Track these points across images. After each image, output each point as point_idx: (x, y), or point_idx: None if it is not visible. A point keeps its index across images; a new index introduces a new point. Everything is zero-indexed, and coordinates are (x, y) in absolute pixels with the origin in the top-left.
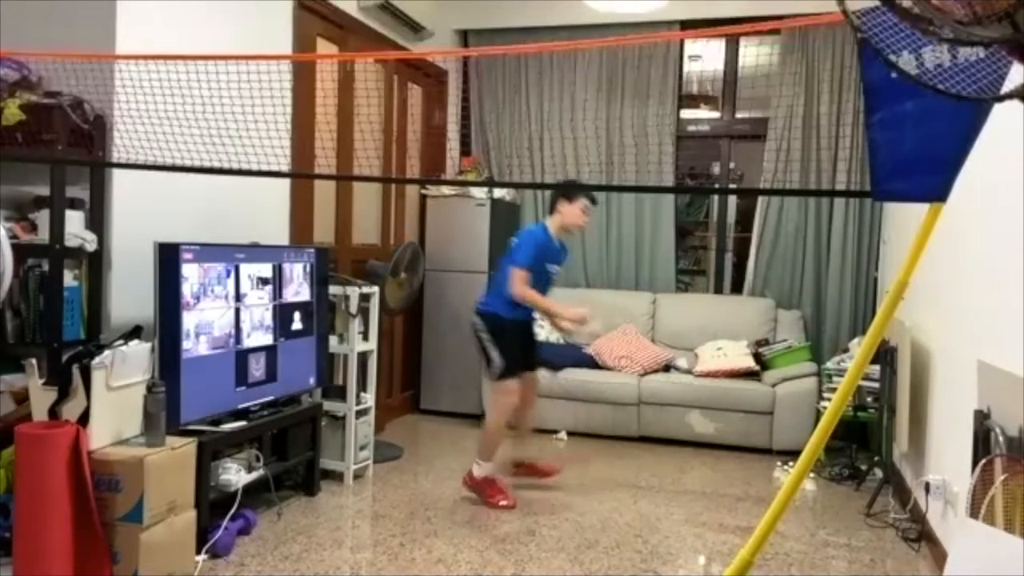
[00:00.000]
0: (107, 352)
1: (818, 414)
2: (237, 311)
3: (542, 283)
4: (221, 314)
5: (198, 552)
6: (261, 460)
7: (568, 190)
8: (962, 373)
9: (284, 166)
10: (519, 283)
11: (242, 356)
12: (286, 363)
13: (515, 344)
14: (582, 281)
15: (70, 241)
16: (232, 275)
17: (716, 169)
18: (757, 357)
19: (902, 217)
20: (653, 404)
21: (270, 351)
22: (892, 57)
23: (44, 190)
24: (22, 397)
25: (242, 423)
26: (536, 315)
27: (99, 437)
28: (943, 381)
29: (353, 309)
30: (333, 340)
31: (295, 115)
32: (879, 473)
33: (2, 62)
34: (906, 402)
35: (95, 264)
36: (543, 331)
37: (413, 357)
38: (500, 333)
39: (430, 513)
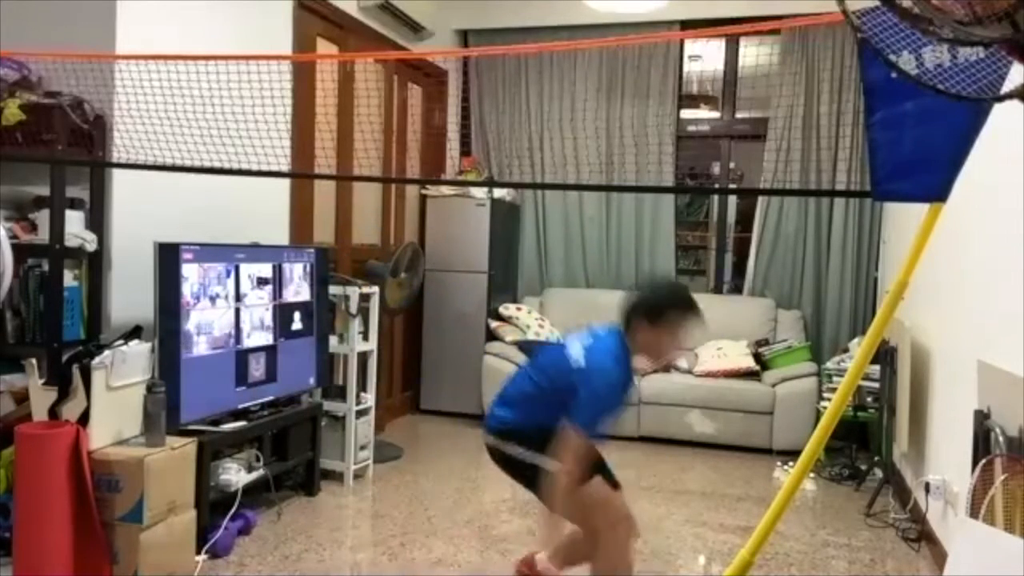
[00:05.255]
0: (107, 352)
1: (818, 414)
2: (237, 311)
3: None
4: (221, 314)
5: (198, 552)
6: (261, 460)
7: (657, 310)
8: (962, 373)
9: (284, 166)
10: (572, 446)
11: (242, 356)
12: (286, 363)
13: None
14: (582, 281)
15: (70, 241)
16: (232, 275)
17: (716, 169)
18: (757, 357)
19: (902, 217)
20: (653, 404)
21: (270, 351)
22: (892, 57)
23: (44, 190)
24: (22, 397)
25: (242, 423)
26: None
27: (99, 437)
28: (943, 381)
29: (353, 309)
30: (333, 340)
31: (295, 115)
32: (879, 473)
33: (2, 62)
34: (906, 402)
35: (95, 264)
36: (543, 330)
37: (413, 357)
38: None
39: (430, 513)
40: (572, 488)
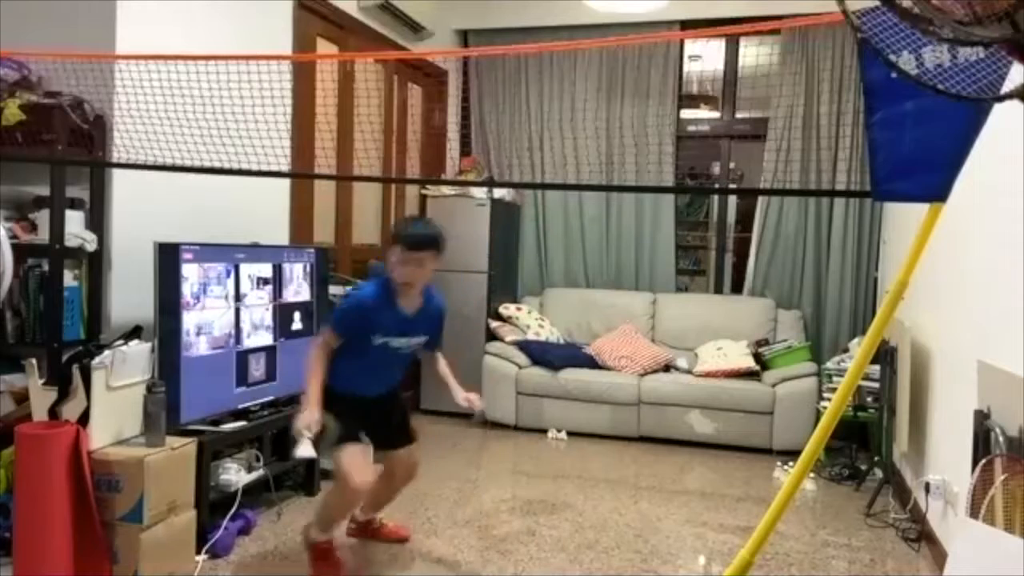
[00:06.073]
0: (107, 352)
1: (818, 414)
2: (237, 311)
3: (380, 360)
4: (221, 314)
5: (198, 552)
6: (261, 460)
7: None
8: (962, 373)
9: (284, 166)
10: (318, 345)
11: (242, 356)
12: (286, 363)
13: (355, 418)
14: (582, 281)
15: (70, 241)
16: (232, 275)
17: (716, 169)
18: (757, 357)
19: (902, 217)
20: (653, 404)
21: (270, 351)
22: (892, 57)
23: (44, 190)
24: (22, 397)
25: (242, 423)
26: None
27: (99, 437)
28: (943, 381)
29: None
30: None
31: (295, 115)
32: (879, 473)
33: (2, 62)
34: (906, 402)
35: (95, 264)
36: (543, 330)
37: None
38: (331, 404)
39: (430, 513)
40: (317, 356)
